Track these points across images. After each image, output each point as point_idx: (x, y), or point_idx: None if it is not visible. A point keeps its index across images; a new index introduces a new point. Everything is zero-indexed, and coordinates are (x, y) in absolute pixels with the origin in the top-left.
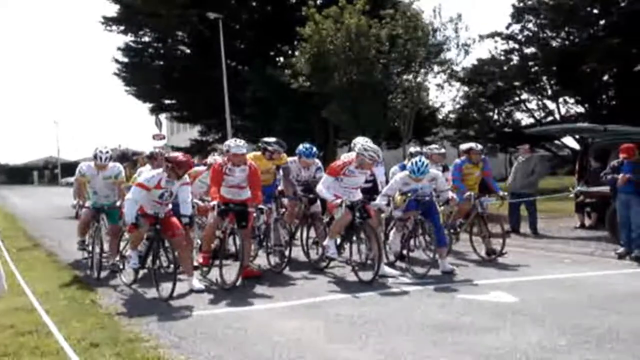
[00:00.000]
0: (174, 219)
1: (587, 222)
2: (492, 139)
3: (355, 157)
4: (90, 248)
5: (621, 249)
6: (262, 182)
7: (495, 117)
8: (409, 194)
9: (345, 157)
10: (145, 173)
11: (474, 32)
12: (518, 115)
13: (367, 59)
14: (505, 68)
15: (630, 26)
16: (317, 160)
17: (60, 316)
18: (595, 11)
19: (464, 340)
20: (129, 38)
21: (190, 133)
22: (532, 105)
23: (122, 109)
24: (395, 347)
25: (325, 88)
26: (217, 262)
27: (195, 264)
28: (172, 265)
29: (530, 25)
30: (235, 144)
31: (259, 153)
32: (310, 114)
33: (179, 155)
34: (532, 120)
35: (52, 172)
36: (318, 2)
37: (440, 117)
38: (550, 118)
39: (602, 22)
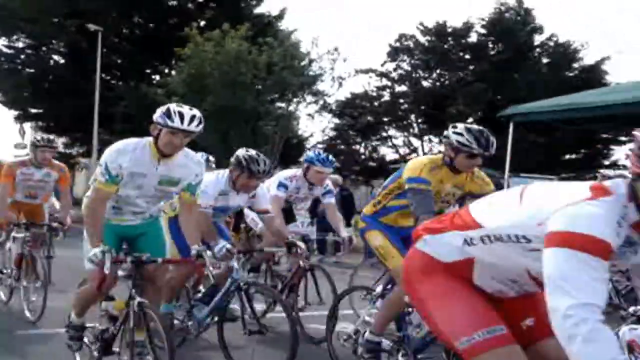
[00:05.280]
0: None
1: None
2: (357, 172)
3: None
4: None
5: None
6: None
7: (362, 150)
8: None
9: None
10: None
11: (350, 66)
12: (384, 150)
13: (243, 83)
14: (376, 104)
15: (497, 74)
16: None
17: None
18: (467, 57)
19: None
20: (1, 42)
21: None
22: (398, 141)
23: None
24: None
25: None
26: None
27: None
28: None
29: (404, 64)
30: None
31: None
32: None
33: None
34: (396, 156)
35: None
36: (201, 24)
37: (308, 146)
38: (414, 155)
39: (472, 67)
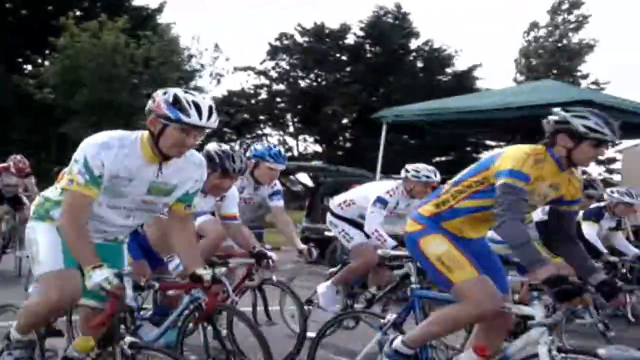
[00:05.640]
0: None
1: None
2: None
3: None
4: None
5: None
6: None
7: (237, 147)
8: None
9: None
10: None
11: (229, 63)
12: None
13: (119, 77)
14: (253, 101)
15: (373, 77)
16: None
17: None
18: (344, 58)
19: None
20: None
21: None
22: (274, 140)
23: None
24: None
25: (70, 102)
26: None
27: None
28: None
29: (283, 63)
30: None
31: None
32: (51, 127)
33: None
34: None
35: None
36: (78, 13)
37: None
38: (289, 154)
39: (348, 69)
